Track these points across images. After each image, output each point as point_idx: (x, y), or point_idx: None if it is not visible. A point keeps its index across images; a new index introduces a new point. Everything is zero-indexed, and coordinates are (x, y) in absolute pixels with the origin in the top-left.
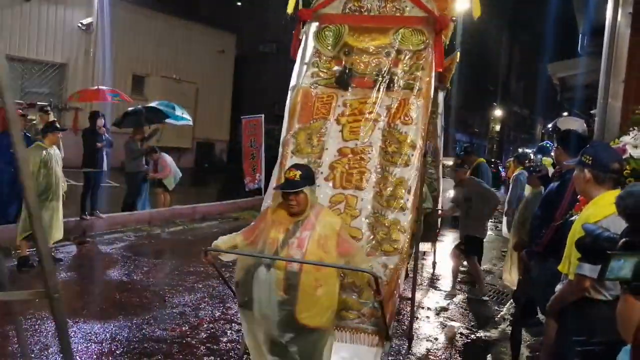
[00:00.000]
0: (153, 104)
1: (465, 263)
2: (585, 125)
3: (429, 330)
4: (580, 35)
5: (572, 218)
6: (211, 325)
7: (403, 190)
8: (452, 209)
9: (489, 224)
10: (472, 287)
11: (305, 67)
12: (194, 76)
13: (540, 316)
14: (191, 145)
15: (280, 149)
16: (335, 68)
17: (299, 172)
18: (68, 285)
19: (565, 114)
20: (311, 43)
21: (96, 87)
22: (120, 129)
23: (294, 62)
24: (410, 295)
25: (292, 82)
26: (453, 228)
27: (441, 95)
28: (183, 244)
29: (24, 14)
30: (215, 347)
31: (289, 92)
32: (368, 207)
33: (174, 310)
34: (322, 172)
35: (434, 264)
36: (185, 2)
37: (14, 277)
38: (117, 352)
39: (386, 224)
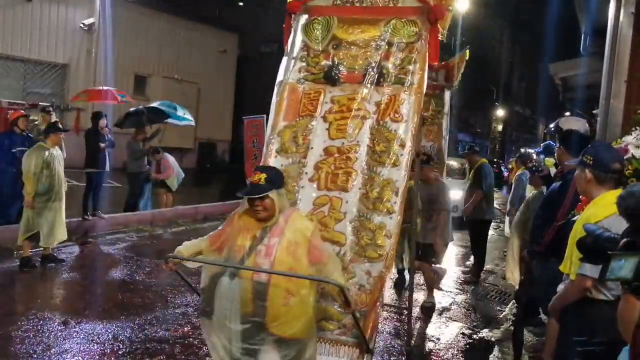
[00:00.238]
0: (155, 104)
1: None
2: (587, 125)
3: (431, 330)
4: (583, 35)
5: (574, 218)
6: None
7: (390, 192)
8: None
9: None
10: (475, 288)
11: (293, 61)
12: (196, 76)
13: (543, 316)
14: (193, 145)
15: (264, 149)
16: (324, 62)
17: (264, 175)
18: (70, 285)
19: (568, 114)
20: (300, 37)
21: (105, 88)
22: (122, 129)
23: None
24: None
25: (279, 78)
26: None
27: (447, 95)
28: None
29: (26, 14)
30: None
31: (275, 88)
32: (353, 210)
33: (176, 311)
34: (306, 173)
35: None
36: (187, 2)
37: (16, 278)
38: (120, 352)
39: (371, 228)
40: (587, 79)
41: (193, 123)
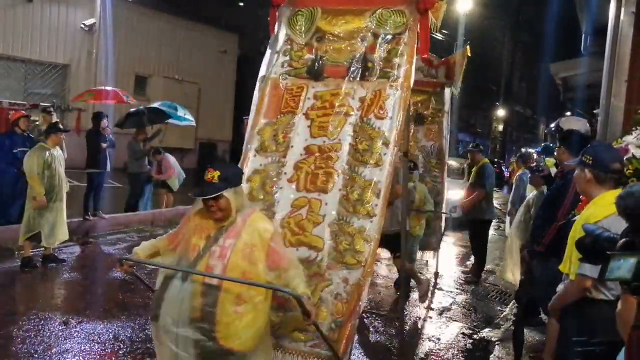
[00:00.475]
0: (155, 105)
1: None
2: (587, 125)
3: (432, 330)
4: (583, 35)
5: (575, 218)
6: None
7: (371, 194)
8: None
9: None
10: (475, 287)
11: (276, 56)
12: (196, 76)
13: (543, 316)
14: (194, 145)
15: (244, 148)
16: (307, 56)
17: (217, 173)
18: (71, 285)
19: (568, 113)
20: (283, 30)
21: (109, 88)
22: (122, 129)
23: None
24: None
25: (261, 73)
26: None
27: (448, 93)
28: None
29: (27, 15)
30: None
31: (257, 84)
32: (333, 213)
33: None
34: (285, 173)
35: (437, 274)
36: (188, 2)
37: (17, 278)
38: (120, 352)
39: (350, 233)
40: (587, 78)
41: (194, 123)
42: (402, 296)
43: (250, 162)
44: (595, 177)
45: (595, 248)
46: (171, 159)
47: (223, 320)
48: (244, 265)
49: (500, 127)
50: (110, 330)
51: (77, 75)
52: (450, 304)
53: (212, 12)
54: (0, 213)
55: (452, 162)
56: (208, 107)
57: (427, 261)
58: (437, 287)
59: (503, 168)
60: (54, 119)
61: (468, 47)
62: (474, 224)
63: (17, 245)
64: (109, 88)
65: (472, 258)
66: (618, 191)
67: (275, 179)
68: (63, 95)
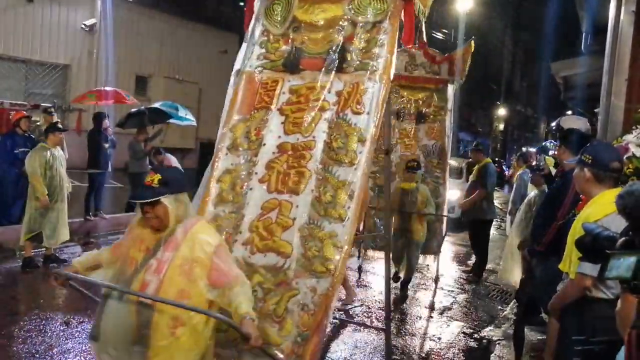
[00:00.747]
0: (156, 105)
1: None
2: (588, 124)
3: (433, 329)
4: (584, 33)
5: (575, 217)
6: None
7: (345, 196)
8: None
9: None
10: (476, 287)
11: (252, 48)
12: (197, 76)
13: (544, 315)
14: (194, 145)
15: (216, 146)
16: (284, 48)
17: (157, 177)
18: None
19: (569, 112)
20: (260, 21)
21: (111, 88)
22: (123, 129)
23: None
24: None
25: (236, 66)
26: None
27: (451, 90)
28: None
29: (27, 15)
30: None
31: (232, 78)
32: (303, 216)
33: None
34: (256, 173)
35: (437, 279)
36: (188, 2)
37: (19, 278)
38: None
39: (321, 238)
40: (588, 77)
41: (195, 123)
42: (386, 294)
43: (222, 161)
44: (595, 176)
45: (595, 247)
46: (172, 159)
47: (158, 344)
48: (181, 282)
49: (501, 127)
50: None
51: (77, 75)
52: (451, 304)
53: (213, 12)
54: (2, 213)
55: (451, 162)
56: (209, 107)
57: (427, 265)
58: (438, 286)
59: (504, 167)
60: (55, 119)
61: (472, 42)
62: (475, 224)
63: (18, 246)
64: (109, 88)
65: (473, 257)
66: (617, 190)
67: (245, 179)
68: (64, 96)
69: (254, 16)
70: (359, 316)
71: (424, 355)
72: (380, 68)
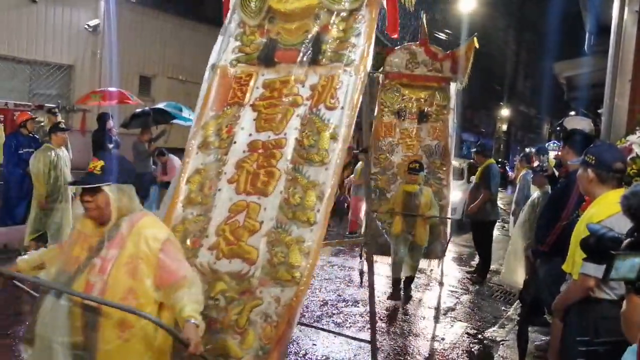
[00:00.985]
0: (160, 105)
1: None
2: (592, 124)
3: (436, 330)
4: (587, 34)
5: (579, 218)
6: None
7: (314, 198)
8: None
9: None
10: (480, 287)
11: (228, 41)
12: (201, 77)
13: (548, 316)
14: None
15: (187, 144)
16: (259, 40)
17: (100, 163)
18: None
19: (572, 113)
20: (236, 12)
21: (116, 89)
22: (127, 130)
23: None
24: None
25: (211, 61)
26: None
27: (454, 88)
28: None
29: (31, 16)
30: None
31: (206, 73)
32: (271, 219)
33: None
34: (225, 173)
35: (441, 285)
36: (191, 3)
37: None
38: None
39: (287, 243)
40: (591, 78)
41: None
42: (370, 292)
43: (192, 161)
44: (598, 177)
45: (600, 248)
46: (176, 159)
47: (105, 347)
48: (127, 282)
49: (504, 127)
50: None
51: (81, 76)
52: (455, 304)
53: (216, 13)
54: (6, 214)
55: (453, 162)
56: None
57: (431, 270)
58: (442, 287)
59: (507, 168)
60: (59, 119)
61: (475, 38)
62: (478, 225)
63: (23, 246)
64: (113, 89)
65: (477, 258)
66: (621, 191)
67: (215, 179)
68: (68, 96)
69: (230, 7)
70: (362, 316)
71: (427, 355)
72: (357, 59)
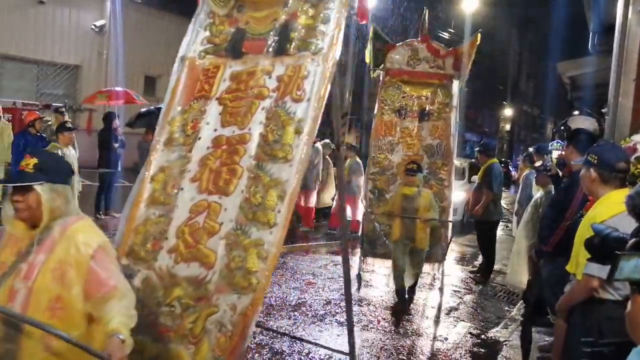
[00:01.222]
0: None
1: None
2: (596, 124)
3: (440, 330)
4: (591, 33)
5: (583, 218)
6: None
7: (275, 197)
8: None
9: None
10: (483, 287)
11: (197, 32)
12: None
13: (551, 316)
14: None
15: (153, 141)
16: (228, 30)
17: (33, 161)
18: None
19: (576, 112)
20: (207, 2)
21: (122, 89)
22: (133, 129)
23: None
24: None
25: (180, 53)
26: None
27: (456, 85)
28: None
29: (38, 17)
30: None
31: (175, 66)
32: (231, 220)
33: None
34: (189, 171)
35: (442, 290)
36: (196, 3)
37: None
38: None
39: (245, 246)
40: (595, 77)
41: None
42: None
43: (158, 158)
44: (601, 177)
45: (604, 248)
46: None
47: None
48: (55, 289)
49: (508, 127)
50: None
51: (88, 76)
52: (458, 304)
53: None
54: None
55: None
56: None
57: (434, 274)
58: (445, 287)
59: (510, 167)
60: (66, 119)
61: (479, 34)
62: (481, 225)
63: None
64: (120, 89)
65: (480, 258)
66: (624, 190)
67: (178, 177)
68: (74, 96)
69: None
70: (365, 315)
71: (430, 355)
72: (325, 47)
